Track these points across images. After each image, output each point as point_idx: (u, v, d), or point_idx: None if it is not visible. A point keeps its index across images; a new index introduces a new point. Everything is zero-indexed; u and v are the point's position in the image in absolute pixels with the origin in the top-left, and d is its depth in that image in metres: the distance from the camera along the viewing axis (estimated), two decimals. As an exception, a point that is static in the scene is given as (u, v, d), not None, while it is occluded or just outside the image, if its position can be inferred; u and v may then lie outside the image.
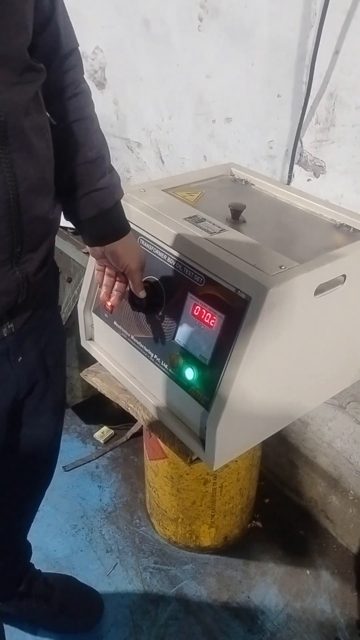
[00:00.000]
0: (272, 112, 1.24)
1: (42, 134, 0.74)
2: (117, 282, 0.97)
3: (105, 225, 0.88)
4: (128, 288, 0.97)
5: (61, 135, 0.80)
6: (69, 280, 1.68)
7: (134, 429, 1.88)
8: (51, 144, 0.77)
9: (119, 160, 1.81)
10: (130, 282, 0.95)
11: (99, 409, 1.89)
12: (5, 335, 0.82)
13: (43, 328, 0.92)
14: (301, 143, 1.20)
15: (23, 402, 0.97)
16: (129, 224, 0.92)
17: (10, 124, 0.66)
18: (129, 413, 1.16)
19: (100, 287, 1.01)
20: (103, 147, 0.87)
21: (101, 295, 1.00)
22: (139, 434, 1.85)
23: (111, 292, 0.98)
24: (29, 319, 0.86)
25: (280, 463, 1.67)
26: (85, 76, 1.83)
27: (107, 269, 0.97)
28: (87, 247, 0.96)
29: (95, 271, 1.01)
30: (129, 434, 1.88)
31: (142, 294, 0.96)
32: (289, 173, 1.25)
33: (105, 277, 0.98)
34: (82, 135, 0.83)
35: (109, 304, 0.99)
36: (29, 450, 1.04)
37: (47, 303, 0.92)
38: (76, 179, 0.84)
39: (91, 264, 1.10)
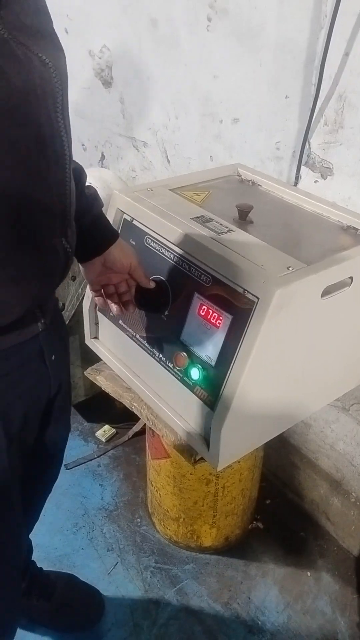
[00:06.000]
0: (279, 113, 1.24)
1: None
2: (122, 294, 0.98)
3: (100, 231, 0.91)
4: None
5: None
6: (73, 279, 1.68)
7: (136, 428, 1.88)
8: None
9: (125, 159, 1.81)
10: (136, 279, 0.96)
11: (101, 407, 1.89)
12: (40, 330, 0.82)
13: (62, 324, 0.93)
14: (309, 144, 1.20)
15: (53, 402, 0.96)
16: (115, 229, 0.95)
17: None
18: (130, 412, 1.16)
19: (106, 305, 1.01)
20: (75, 161, 0.88)
21: (115, 311, 0.99)
22: (141, 433, 1.85)
23: (120, 303, 0.99)
24: (54, 314, 0.86)
25: (282, 464, 1.67)
26: (92, 75, 1.83)
27: (104, 289, 0.98)
28: (82, 270, 0.96)
29: (94, 298, 1.01)
30: (130, 432, 1.89)
31: (152, 284, 0.97)
32: (296, 174, 1.25)
33: (108, 296, 0.99)
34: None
35: (127, 313, 1.00)
36: (51, 449, 1.04)
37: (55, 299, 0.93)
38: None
39: None
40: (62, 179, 0.72)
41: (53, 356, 0.88)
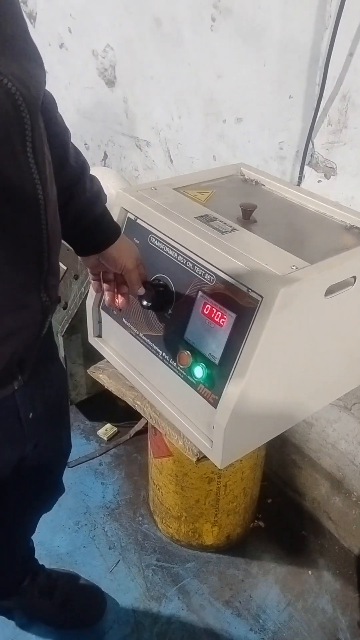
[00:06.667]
0: (283, 113, 1.24)
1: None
2: (119, 285, 0.96)
3: (100, 231, 0.87)
4: None
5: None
6: (76, 278, 1.69)
7: (138, 426, 1.88)
8: None
9: (127, 158, 1.81)
10: (128, 281, 0.93)
11: (103, 406, 1.89)
12: (17, 387, 0.76)
13: (49, 367, 0.87)
14: (312, 144, 1.20)
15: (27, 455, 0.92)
16: (119, 226, 0.91)
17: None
18: (132, 411, 1.16)
19: (101, 289, 0.99)
20: (79, 155, 0.84)
21: (107, 301, 0.97)
22: (142, 431, 1.86)
23: (115, 296, 0.96)
24: (39, 362, 0.80)
25: (284, 464, 1.68)
26: (96, 74, 1.83)
27: (103, 276, 0.95)
28: (80, 258, 0.93)
29: (92, 281, 1.00)
30: (132, 431, 1.89)
31: (140, 291, 0.94)
32: (299, 174, 1.25)
33: (104, 284, 0.96)
34: (62, 149, 0.80)
35: (118, 306, 0.98)
36: (33, 474, 1.00)
37: (48, 341, 0.89)
38: (68, 190, 0.80)
39: None
40: (37, 229, 0.64)
41: (31, 414, 0.82)
